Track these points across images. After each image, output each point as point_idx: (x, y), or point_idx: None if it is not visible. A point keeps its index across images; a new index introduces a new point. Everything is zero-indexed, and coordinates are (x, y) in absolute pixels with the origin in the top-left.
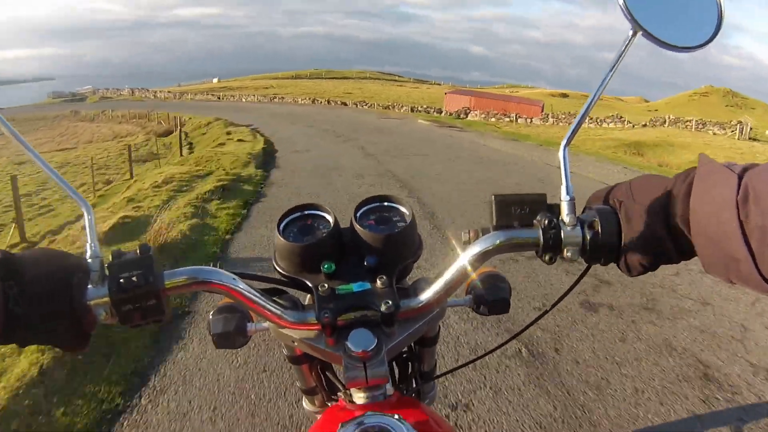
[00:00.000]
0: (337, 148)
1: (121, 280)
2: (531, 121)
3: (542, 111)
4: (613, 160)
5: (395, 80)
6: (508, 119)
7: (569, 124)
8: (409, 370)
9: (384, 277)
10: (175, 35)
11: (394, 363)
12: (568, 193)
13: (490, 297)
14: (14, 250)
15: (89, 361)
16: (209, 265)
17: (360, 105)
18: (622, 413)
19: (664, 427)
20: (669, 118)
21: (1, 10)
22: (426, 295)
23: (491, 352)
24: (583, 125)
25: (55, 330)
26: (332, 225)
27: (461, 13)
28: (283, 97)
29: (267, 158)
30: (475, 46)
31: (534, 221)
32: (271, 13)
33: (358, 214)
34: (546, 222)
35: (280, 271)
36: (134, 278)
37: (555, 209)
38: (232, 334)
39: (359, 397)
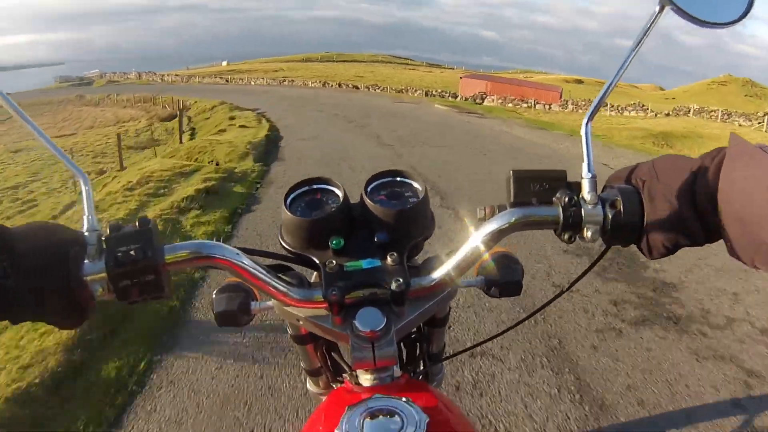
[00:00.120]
0: (348, 136)
1: (119, 254)
2: (549, 107)
3: (561, 97)
4: (649, 152)
5: (407, 64)
6: (525, 105)
7: None
8: (417, 352)
9: (395, 254)
10: (185, 19)
11: (402, 344)
12: (589, 171)
13: (503, 279)
14: None
15: None
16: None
17: (372, 88)
18: None
19: None
20: (693, 108)
21: None
22: (438, 274)
23: (504, 332)
24: (603, 113)
25: (50, 306)
26: (342, 200)
27: None
28: (293, 81)
29: (269, 148)
30: (486, 31)
31: (553, 198)
32: None
33: (368, 189)
34: (566, 199)
35: (286, 247)
36: (132, 252)
37: (575, 187)
38: (236, 312)
39: (366, 379)
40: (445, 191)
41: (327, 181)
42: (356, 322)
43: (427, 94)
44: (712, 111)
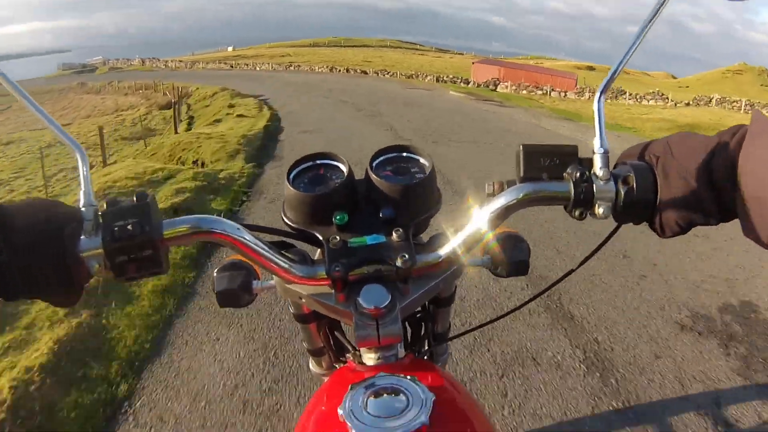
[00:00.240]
0: (357, 126)
1: (115, 229)
2: (565, 94)
3: (576, 84)
4: None
5: (417, 49)
6: (540, 92)
7: (608, 100)
8: (422, 331)
9: (400, 230)
10: (193, 4)
11: (406, 323)
12: (602, 146)
13: (510, 258)
14: None
15: None
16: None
17: (381, 74)
18: None
19: None
20: (715, 97)
21: None
22: (444, 250)
23: (514, 311)
24: (622, 102)
25: (45, 283)
26: (346, 175)
27: None
28: (299, 66)
29: (266, 143)
30: (495, 17)
31: (564, 174)
32: None
33: (374, 164)
34: (578, 175)
35: (289, 223)
36: (129, 227)
37: (587, 163)
38: (237, 291)
39: (369, 358)
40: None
41: (331, 156)
42: (360, 300)
43: (438, 80)
44: (734, 101)
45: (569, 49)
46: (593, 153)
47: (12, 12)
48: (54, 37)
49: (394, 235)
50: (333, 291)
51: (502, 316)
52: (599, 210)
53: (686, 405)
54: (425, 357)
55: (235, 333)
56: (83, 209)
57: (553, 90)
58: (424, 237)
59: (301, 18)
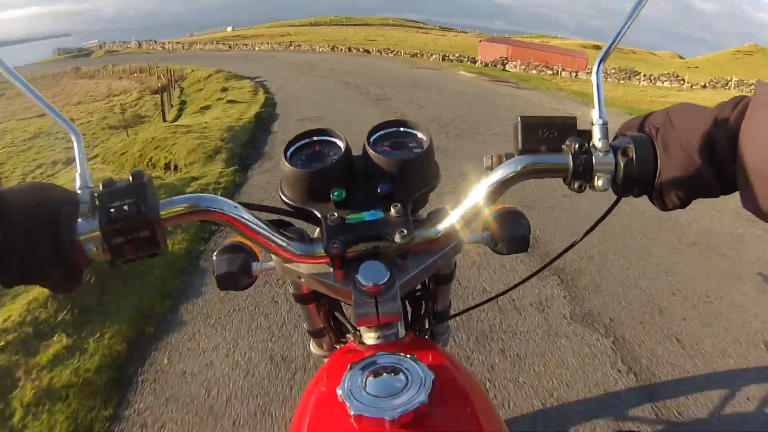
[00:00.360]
0: (363, 114)
1: (111, 210)
2: (576, 74)
3: (587, 64)
4: None
5: (420, 27)
6: (550, 72)
7: (621, 81)
8: (423, 310)
9: (398, 206)
10: None
11: (407, 302)
12: (600, 117)
13: (509, 234)
14: None
15: None
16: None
17: (384, 53)
18: None
19: None
20: (733, 80)
21: None
22: (443, 225)
23: (516, 287)
24: (635, 83)
25: (43, 268)
26: (343, 150)
27: None
28: (299, 45)
29: (256, 134)
30: None
31: (563, 146)
32: None
33: (371, 139)
34: (576, 146)
35: (287, 201)
36: (125, 207)
37: (586, 135)
38: (237, 273)
39: (370, 337)
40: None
41: (328, 132)
42: (359, 277)
43: (444, 59)
44: (752, 84)
45: (572, 28)
46: (592, 124)
47: None
48: (52, 21)
49: (392, 210)
50: (332, 269)
51: (505, 292)
52: (598, 182)
53: None
54: (426, 336)
55: None
56: (79, 192)
57: (563, 69)
58: (424, 213)
59: None
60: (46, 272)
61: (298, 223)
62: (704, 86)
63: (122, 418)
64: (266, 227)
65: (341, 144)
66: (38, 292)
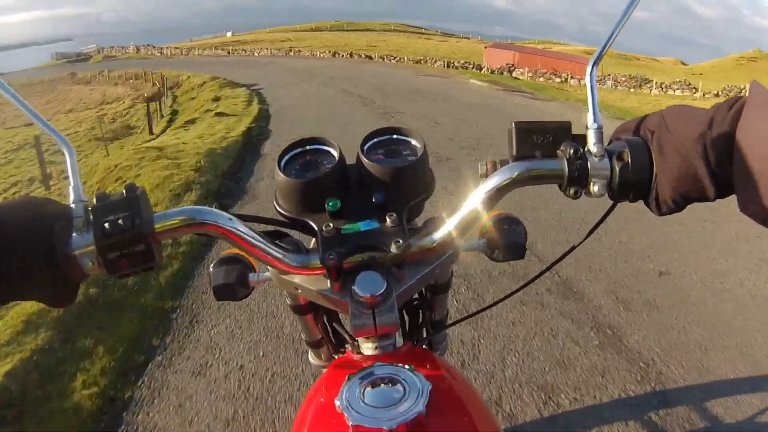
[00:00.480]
0: (368, 131)
1: (106, 225)
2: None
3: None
4: None
5: (421, 33)
6: (558, 80)
7: (632, 89)
8: (420, 319)
9: (393, 215)
10: None
11: (404, 312)
12: (595, 121)
13: (506, 241)
14: None
15: None
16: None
17: (387, 59)
18: None
19: None
20: (747, 88)
21: None
22: (439, 234)
23: (514, 293)
24: (647, 92)
25: (39, 283)
26: (337, 159)
27: None
28: (300, 51)
29: (242, 159)
30: (499, 0)
31: (558, 151)
32: None
33: (365, 148)
34: (571, 152)
35: (282, 212)
36: (120, 221)
37: (580, 140)
38: (234, 285)
39: (367, 348)
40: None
41: (322, 141)
42: (355, 288)
43: (448, 66)
44: None
45: (573, 34)
46: (587, 129)
47: (14, 1)
48: (54, 25)
49: (387, 220)
50: (328, 280)
51: (504, 299)
52: (594, 188)
53: None
54: (424, 345)
55: None
56: (73, 206)
57: (572, 77)
58: (420, 221)
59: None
60: (41, 287)
61: (294, 233)
62: (717, 95)
63: None
64: (262, 239)
65: (335, 153)
66: None
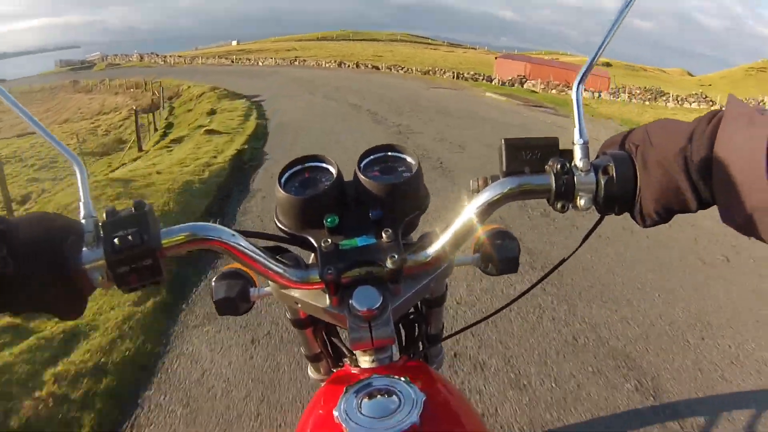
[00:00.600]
0: None
1: (116, 240)
2: (599, 95)
3: (609, 83)
4: None
5: (428, 43)
6: (570, 91)
7: (647, 102)
8: (416, 333)
9: (389, 231)
10: None
11: (400, 326)
12: (581, 137)
13: (499, 255)
14: None
15: None
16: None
17: (394, 69)
18: None
19: None
20: (767, 100)
21: None
22: (433, 249)
23: (508, 305)
24: (662, 105)
25: (51, 295)
26: (335, 176)
27: None
28: (305, 60)
29: (228, 194)
30: (504, 11)
31: (546, 166)
32: None
33: (362, 165)
34: (558, 167)
35: (282, 228)
36: (129, 237)
37: (567, 155)
38: (235, 299)
39: (365, 361)
40: None
41: (320, 159)
42: (353, 302)
43: (458, 77)
44: None
45: (579, 45)
46: (573, 144)
47: (21, 8)
48: (62, 32)
49: (383, 236)
50: (327, 294)
51: (499, 311)
52: (580, 202)
53: None
54: (420, 359)
55: None
56: (83, 221)
57: (585, 90)
58: (415, 237)
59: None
60: (56, 299)
61: (294, 248)
62: None
63: None
64: (263, 255)
65: (333, 170)
66: None
